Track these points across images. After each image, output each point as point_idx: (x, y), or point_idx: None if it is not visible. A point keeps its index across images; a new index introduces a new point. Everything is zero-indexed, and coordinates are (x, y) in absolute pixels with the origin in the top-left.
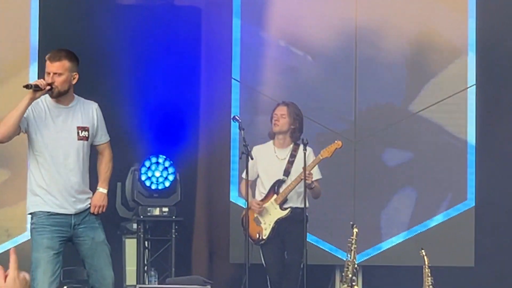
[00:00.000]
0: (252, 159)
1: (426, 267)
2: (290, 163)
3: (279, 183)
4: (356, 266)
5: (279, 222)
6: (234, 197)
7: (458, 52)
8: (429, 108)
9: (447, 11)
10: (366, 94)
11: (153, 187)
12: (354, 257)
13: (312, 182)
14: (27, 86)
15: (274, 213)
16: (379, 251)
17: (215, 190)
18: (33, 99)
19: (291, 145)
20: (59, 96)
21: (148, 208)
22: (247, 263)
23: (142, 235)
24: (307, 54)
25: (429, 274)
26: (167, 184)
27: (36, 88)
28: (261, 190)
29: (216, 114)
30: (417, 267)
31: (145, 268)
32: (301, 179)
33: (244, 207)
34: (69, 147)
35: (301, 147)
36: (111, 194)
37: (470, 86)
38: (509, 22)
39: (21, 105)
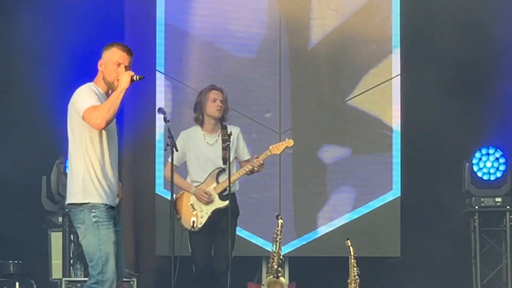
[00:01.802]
0: (177, 150)
1: (352, 257)
2: (225, 149)
3: (219, 171)
4: (281, 257)
5: (216, 212)
6: (160, 189)
7: (383, 44)
8: (356, 99)
9: (372, 2)
10: (293, 85)
11: None
12: (280, 248)
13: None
14: (138, 77)
15: (213, 202)
16: (305, 242)
17: (141, 183)
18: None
19: (219, 130)
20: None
21: None
22: (172, 251)
23: (67, 228)
24: (232, 46)
25: (355, 265)
26: None
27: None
28: (192, 178)
29: (140, 107)
30: (344, 258)
31: (71, 261)
32: (246, 171)
33: (170, 199)
34: (116, 142)
35: (230, 128)
36: (36, 187)
37: (395, 76)
38: (430, 16)
39: (122, 93)
